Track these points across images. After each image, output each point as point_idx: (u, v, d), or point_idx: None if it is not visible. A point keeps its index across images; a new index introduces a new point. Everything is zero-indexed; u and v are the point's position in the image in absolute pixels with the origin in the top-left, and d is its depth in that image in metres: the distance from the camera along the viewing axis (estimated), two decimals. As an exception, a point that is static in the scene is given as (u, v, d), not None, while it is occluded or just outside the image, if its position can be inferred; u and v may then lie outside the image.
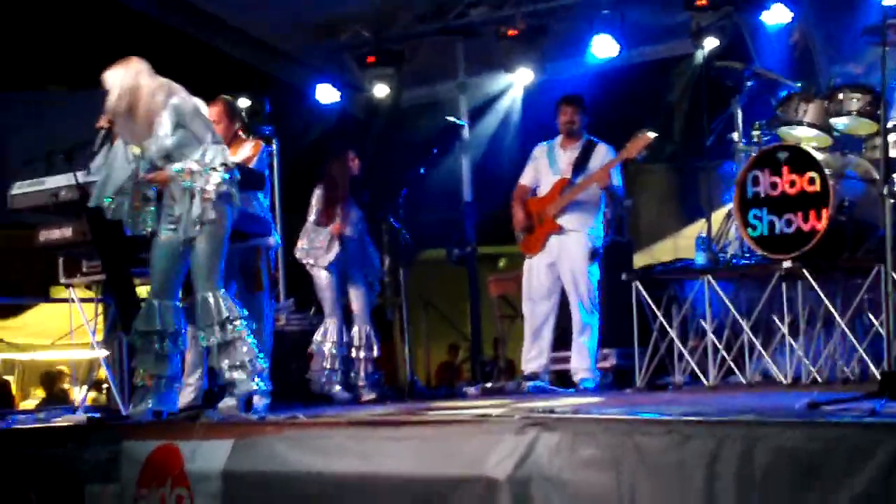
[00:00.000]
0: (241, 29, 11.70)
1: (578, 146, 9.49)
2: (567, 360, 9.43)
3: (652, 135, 9.19)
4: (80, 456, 7.20)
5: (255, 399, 7.51)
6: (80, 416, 8.14)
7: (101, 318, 9.51)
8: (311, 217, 9.70)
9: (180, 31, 12.37)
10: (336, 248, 9.55)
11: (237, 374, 7.29)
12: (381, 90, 12.75)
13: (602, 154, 9.40)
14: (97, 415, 8.35)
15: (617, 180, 9.39)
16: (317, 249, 9.60)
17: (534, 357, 9.41)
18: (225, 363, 7.29)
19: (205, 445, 6.73)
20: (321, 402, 9.32)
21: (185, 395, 8.42)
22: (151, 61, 12.31)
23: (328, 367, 9.58)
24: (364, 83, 12.96)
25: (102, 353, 8.95)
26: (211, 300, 7.26)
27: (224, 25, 12.16)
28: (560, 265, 9.36)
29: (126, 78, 7.24)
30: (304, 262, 9.69)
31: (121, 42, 12.28)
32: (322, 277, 9.64)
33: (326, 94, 12.81)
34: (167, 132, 7.21)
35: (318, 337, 9.67)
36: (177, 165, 7.20)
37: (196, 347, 8.54)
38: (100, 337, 9.25)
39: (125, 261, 8.35)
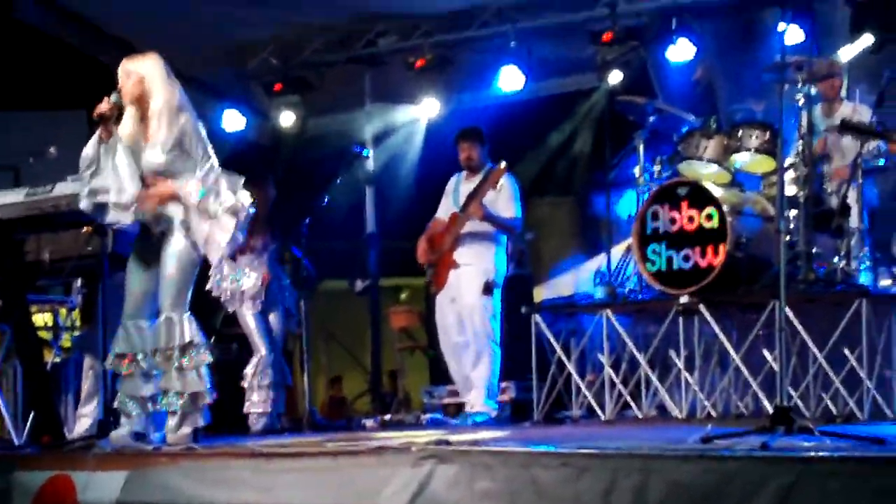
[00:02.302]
0: (145, 51, 11.57)
1: (478, 177, 9.49)
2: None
3: (501, 167, 9.20)
4: (-29, 486, 7.08)
5: (150, 430, 7.38)
6: (-28, 446, 8.01)
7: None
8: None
9: (82, 51, 12.26)
10: (262, 296, 9.54)
11: (185, 404, 7.10)
12: (287, 118, 12.71)
13: (501, 184, 9.35)
14: (-11, 445, 8.22)
15: (513, 211, 9.36)
16: (241, 294, 9.53)
17: (461, 387, 9.44)
18: (176, 388, 7.09)
19: (98, 476, 6.63)
20: (233, 434, 9.26)
21: (81, 426, 8.32)
22: (53, 82, 12.22)
23: (262, 399, 9.51)
24: (270, 110, 12.92)
25: (-4, 381, 8.83)
26: (175, 321, 7.09)
27: (129, 47, 12.05)
28: (459, 300, 9.35)
29: (149, 75, 7.10)
30: (226, 302, 9.56)
31: (21, 63, 12.21)
32: (248, 318, 9.59)
33: (232, 120, 12.75)
34: (165, 149, 7.06)
35: (249, 371, 9.59)
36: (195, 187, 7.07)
37: (92, 376, 8.45)
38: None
39: (22, 288, 8.24)
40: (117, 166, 7.09)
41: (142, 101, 7.14)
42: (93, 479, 6.63)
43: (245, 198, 7.19)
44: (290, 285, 9.85)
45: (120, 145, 7.10)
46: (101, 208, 7.17)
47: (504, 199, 9.38)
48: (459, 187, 9.61)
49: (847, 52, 10.23)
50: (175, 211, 7.11)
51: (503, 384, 9.97)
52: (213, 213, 7.08)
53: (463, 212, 9.35)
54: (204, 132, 7.26)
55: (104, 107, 7.08)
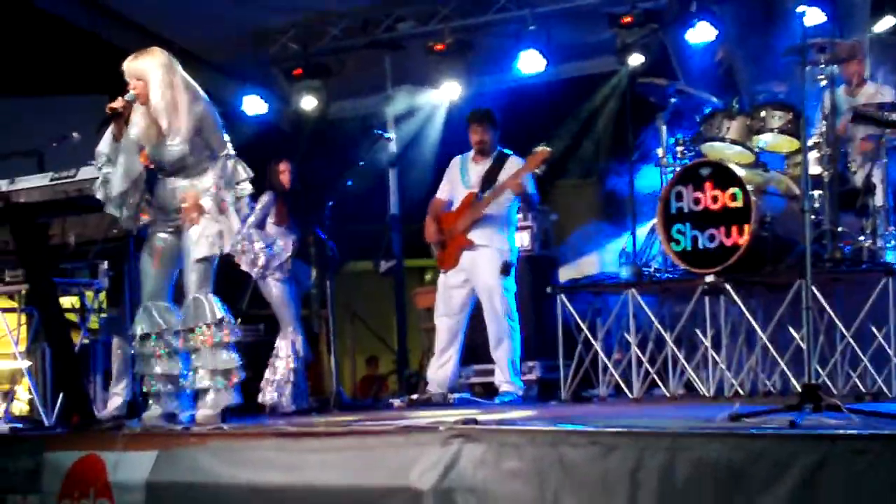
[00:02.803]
0: (168, 39, 11.63)
1: (490, 160, 9.47)
2: (492, 372, 9.45)
3: (548, 150, 9.16)
4: (2, 466, 7.13)
5: (179, 410, 7.42)
6: (3, 427, 8.05)
7: (23, 329, 9.42)
8: (252, 221, 9.64)
9: (105, 40, 12.30)
10: (289, 264, 9.62)
11: (216, 382, 7.15)
12: (308, 102, 12.74)
13: (513, 165, 9.36)
14: (20, 425, 8.27)
15: (531, 188, 9.37)
16: (269, 261, 9.61)
17: (439, 369, 9.40)
18: (212, 367, 7.14)
19: (128, 456, 6.69)
20: (262, 414, 9.31)
21: (112, 404, 8.38)
22: (75, 68, 12.27)
23: (283, 379, 9.58)
24: (291, 96, 12.95)
25: (25, 363, 8.87)
26: (205, 301, 7.15)
27: (150, 35, 12.10)
28: (474, 280, 9.31)
29: (161, 70, 7.13)
30: (250, 268, 9.64)
31: (43, 49, 12.25)
32: (277, 291, 9.65)
33: (253, 105, 12.79)
34: (185, 139, 7.12)
35: (280, 350, 9.66)
36: (206, 190, 7.16)
37: (120, 357, 8.50)
38: (22, 347, 9.16)
39: (49, 271, 8.28)
40: (127, 166, 7.18)
41: (155, 100, 7.17)
42: (123, 459, 6.69)
43: (248, 188, 7.30)
44: (307, 273, 9.93)
45: (132, 147, 7.18)
46: (114, 205, 7.28)
47: (525, 181, 9.37)
48: (467, 169, 9.56)
49: (867, 34, 10.23)
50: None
51: (530, 363, 10.01)
52: (228, 204, 7.20)
53: (483, 194, 9.34)
54: (219, 119, 7.31)
55: (117, 104, 7.14)
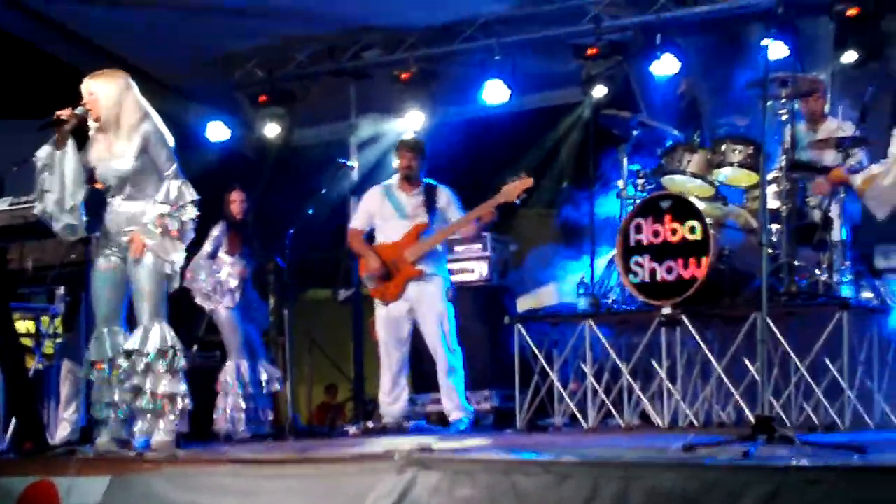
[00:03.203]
0: (134, 65, 11.62)
1: (420, 190, 9.48)
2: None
3: (530, 180, 9.20)
4: (-47, 491, 7.08)
5: (132, 436, 7.38)
6: (-45, 451, 7.99)
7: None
8: (206, 251, 9.69)
9: (68, 63, 12.27)
10: (238, 292, 9.64)
11: (160, 407, 7.15)
12: (272, 129, 12.72)
13: (447, 196, 9.45)
14: (-28, 450, 8.20)
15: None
16: (217, 289, 9.61)
17: (394, 402, 9.38)
18: (157, 392, 7.14)
19: (81, 482, 6.65)
20: (218, 440, 9.27)
21: (62, 430, 8.33)
22: (36, 92, 12.21)
23: (236, 407, 9.56)
24: (255, 122, 12.94)
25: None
26: (155, 328, 7.16)
27: (117, 59, 12.08)
28: (420, 309, 9.32)
29: (116, 90, 7.21)
30: (201, 300, 9.66)
31: (5, 72, 12.19)
32: (225, 318, 9.65)
33: (217, 131, 12.76)
34: (132, 156, 7.17)
35: (227, 378, 9.64)
36: (149, 224, 7.16)
37: (71, 381, 8.45)
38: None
39: (5, 295, 8.23)
40: (65, 174, 7.16)
41: (106, 118, 7.24)
42: (76, 485, 6.64)
43: (193, 211, 7.28)
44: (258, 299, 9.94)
45: (72, 156, 7.18)
46: (49, 215, 7.25)
47: (455, 208, 9.47)
48: (397, 199, 9.49)
49: (829, 68, 10.32)
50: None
51: (486, 392, 10.07)
52: (174, 231, 7.20)
53: (434, 224, 9.36)
54: (169, 140, 7.33)
55: (65, 113, 7.20)
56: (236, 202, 9.87)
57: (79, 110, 7.21)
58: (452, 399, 9.25)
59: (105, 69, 7.39)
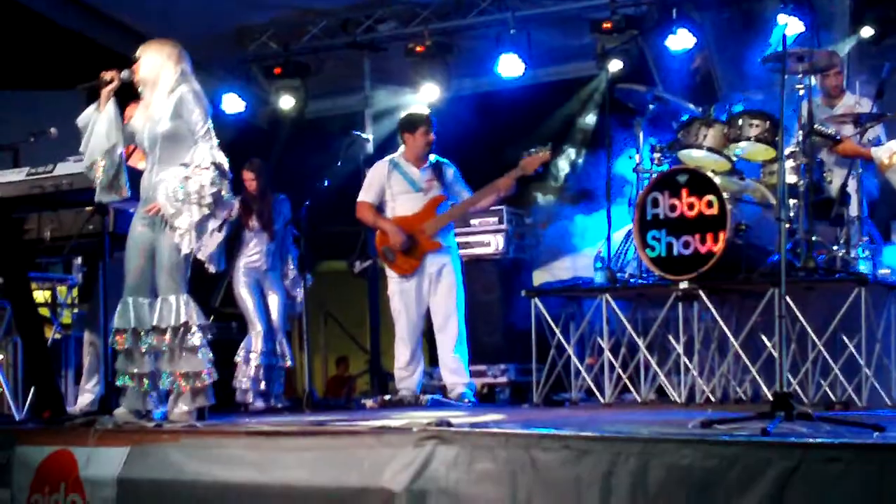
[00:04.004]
0: (146, 34, 11.60)
1: (428, 164, 9.50)
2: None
3: (549, 153, 9.22)
4: (-28, 460, 7.11)
5: (151, 407, 7.40)
6: (-28, 420, 8.04)
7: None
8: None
9: (84, 35, 12.28)
10: (259, 271, 9.75)
11: (183, 385, 7.15)
12: (286, 102, 12.75)
13: (452, 171, 9.48)
14: (-11, 419, 8.25)
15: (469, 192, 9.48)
16: (238, 273, 9.70)
17: (410, 375, 9.42)
18: (175, 370, 7.14)
19: (100, 452, 6.67)
20: (238, 412, 9.30)
21: (83, 401, 8.36)
22: (56, 65, 12.23)
23: (253, 377, 9.61)
24: (270, 94, 12.94)
25: (-4, 357, 8.87)
26: (172, 301, 7.15)
27: (129, 31, 12.08)
28: (439, 282, 9.34)
29: (161, 55, 7.25)
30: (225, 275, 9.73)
31: (21, 44, 12.21)
32: (242, 291, 9.68)
33: (232, 104, 12.78)
34: (167, 118, 7.17)
35: (244, 347, 9.67)
36: (169, 189, 7.12)
37: (92, 353, 8.48)
38: (-6, 341, 9.16)
39: (23, 265, 8.26)
40: (93, 133, 7.18)
41: (150, 84, 7.26)
42: (94, 455, 6.67)
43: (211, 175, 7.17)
44: (297, 269, 9.93)
45: (106, 115, 7.17)
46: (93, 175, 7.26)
47: (460, 184, 9.51)
48: (408, 173, 9.47)
49: (846, 44, 10.30)
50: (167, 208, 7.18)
51: (502, 366, 10.11)
52: (193, 195, 7.13)
53: (452, 198, 9.40)
54: (205, 103, 7.32)
55: (109, 74, 7.20)
56: (247, 181, 9.87)
57: (124, 73, 7.23)
58: (460, 371, 9.29)
59: (163, 39, 7.42)
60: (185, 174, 7.11)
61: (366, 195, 9.58)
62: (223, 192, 7.18)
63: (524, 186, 10.55)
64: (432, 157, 9.52)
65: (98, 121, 7.18)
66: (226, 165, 7.20)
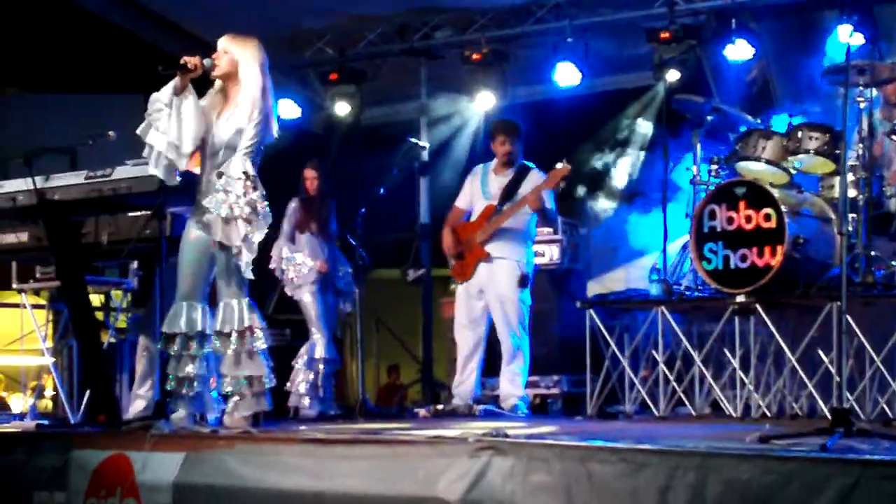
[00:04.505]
0: (203, 39, 11.68)
1: (511, 172, 9.49)
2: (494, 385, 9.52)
3: (568, 167, 9.18)
4: (29, 463, 7.16)
5: (202, 411, 7.41)
6: (29, 423, 8.07)
7: (51, 325, 9.46)
8: (285, 230, 9.80)
9: (142, 38, 12.35)
10: (320, 279, 9.79)
11: (242, 388, 7.13)
12: (342, 108, 12.77)
13: (534, 179, 9.39)
14: (45, 422, 8.28)
15: (550, 204, 9.38)
16: (302, 277, 9.74)
17: (461, 383, 9.45)
18: (237, 374, 7.12)
19: (156, 457, 6.71)
20: (289, 418, 9.32)
21: (136, 406, 8.39)
22: (110, 66, 12.30)
23: (311, 382, 9.63)
24: (325, 100, 12.97)
25: (52, 359, 8.90)
26: (235, 306, 7.13)
27: (187, 34, 12.16)
28: (488, 293, 9.36)
29: (246, 54, 7.21)
30: (286, 284, 9.75)
31: (78, 46, 12.31)
32: (307, 302, 9.71)
33: (287, 109, 12.82)
34: (236, 125, 7.13)
35: (303, 353, 9.68)
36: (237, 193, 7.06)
37: (146, 358, 8.51)
38: (50, 344, 9.20)
39: (80, 268, 8.31)
40: (182, 118, 7.06)
41: (228, 79, 7.22)
42: (150, 460, 6.71)
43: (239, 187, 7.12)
44: (351, 272, 9.96)
45: (192, 102, 7.09)
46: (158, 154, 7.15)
47: (546, 196, 9.39)
48: (488, 180, 9.58)
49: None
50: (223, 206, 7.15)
51: (555, 378, 10.09)
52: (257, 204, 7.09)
53: (502, 207, 9.38)
54: (274, 126, 7.30)
55: (192, 60, 7.09)
56: (308, 179, 9.90)
57: (206, 61, 7.13)
58: (514, 386, 9.28)
59: (247, 36, 7.35)
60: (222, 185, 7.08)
61: (457, 200, 9.76)
62: (258, 205, 7.09)
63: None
64: (518, 165, 9.50)
65: (185, 109, 7.06)
66: (256, 178, 7.12)
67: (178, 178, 7.23)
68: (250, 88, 7.16)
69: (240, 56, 7.21)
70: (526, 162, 9.54)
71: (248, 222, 7.03)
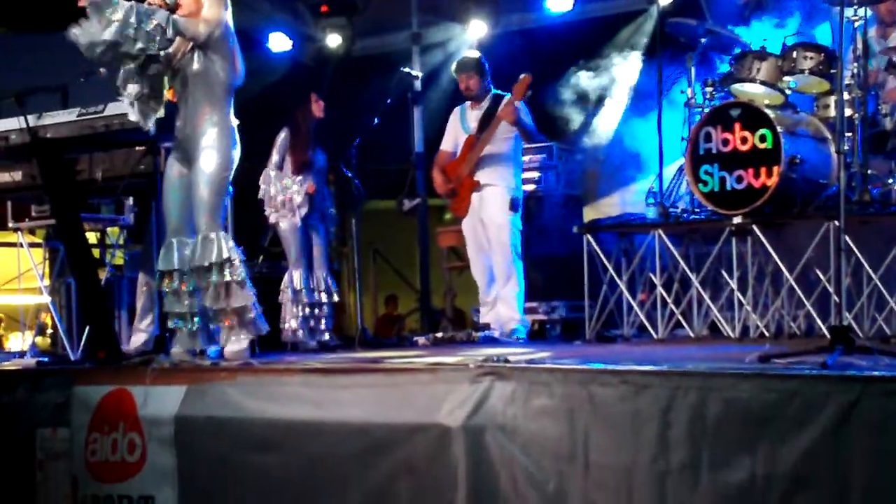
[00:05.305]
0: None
1: (486, 104, 9.68)
2: (533, 310, 9.68)
3: (529, 76, 9.35)
4: (31, 400, 7.19)
5: (204, 345, 7.42)
6: (30, 361, 8.09)
7: (47, 263, 9.46)
8: (274, 160, 9.73)
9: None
10: (306, 205, 9.63)
11: (230, 320, 7.17)
12: (333, 40, 12.75)
13: (507, 103, 9.51)
14: (46, 359, 8.30)
15: (526, 118, 9.49)
16: (286, 203, 9.63)
17: (489, 309, 9.53)
18: (224, 307, 7.16)
19: (157, 391, 6.74)
20: (287, 350, 9.33)
21: (137, 340, 8.41)
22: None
23: (299, 315, 9.62)
24: (317, 32, 12.91)
25: (50, 298, 8.91)
26: (213, 239, 7.15)
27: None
28: (484, 219, 9.50)
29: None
30: (269, 212, 9.70)
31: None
32: (287, 228, 9.67)
33: (279, 42, 12.77)
34: (214, 22, 7.18)
35: (285, 285, 9.67)
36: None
37: (146, 293, 8.52)
38: (47, 282, 9.20)
39: (75, 206, 8.29)
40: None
41: (192, 16, 7.20)
42: (152, 394, 6.73)
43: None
44: (333, 205, 9.93)
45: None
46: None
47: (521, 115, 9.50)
48: (465, 116, 9.81)
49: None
50: (209, 129, 7.20)
51: (554, 303, 10.14)
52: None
53: (480, 134, 9.49)
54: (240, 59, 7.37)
55: (155, 1, 7.12)
56: (318, 111, 9.78)
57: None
58: (510, 309, 9.36)
59: None
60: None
61: (442, 143, 9.93)
62: None
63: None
64: (491, 96, 9.67)
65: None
66: None
67: (152, 126, 7.26)
68: (205, 24, 7.16)
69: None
70: (498, 91, 9.67)
71: None
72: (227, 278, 7.15)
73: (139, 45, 6.93)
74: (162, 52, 7.08)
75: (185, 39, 7.12)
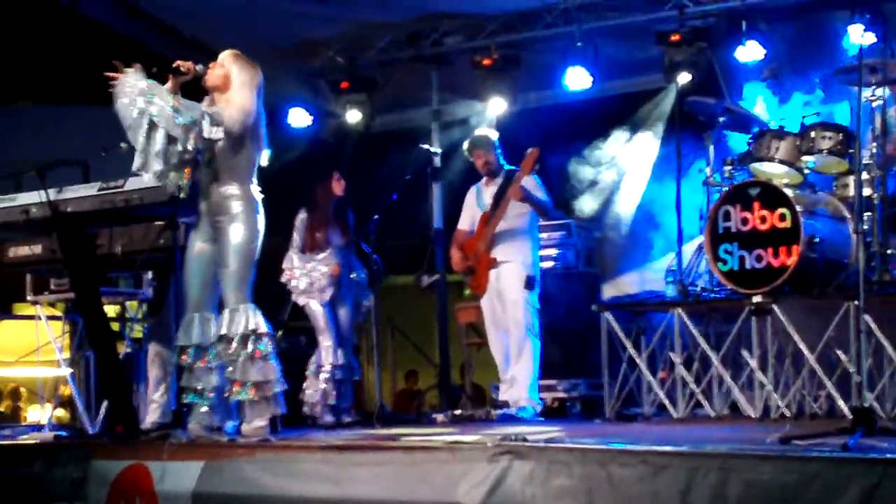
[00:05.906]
0: (214, 50, 11.65)
1: (499, 180, 9.71)
2: (552, 388, 9.64)
3: (537, 150, 9.39)
4: (49, 474, 7.18)
5: (219, 423, 7.38)
6: (48, 435, 8.08)
7: (68, 336, 9.47)
8: (296, 242, 9.73)
9: (144, 47, 12.34)
10: (332, 288, 9.62)
11: (253, 394, 7.09)
12: (353, 116, 12.78)
13: (527, 181, 9.51)
14: (64, 433, 8.29)
15: (538, 192, 9.48)
16: (310, 287, 9.63)
17: (507, 387, 9.47)
18: (246, 379, 7.09)
19: (175, 466, 6.72)
20: (306, 426, 9.30)
21: (151, 411, 8.39)
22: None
23: (319, 391, 9.59)
24: (336, 108, 12.98)
25: (69, 370, 8.91)
26: (241, 312, 7.13)
27: (197, 45, 12.15)
28: (500, 296, 9.49)
29: (243, 75, 7.26)
30: (295, 296, 9.69)
31: (88, 58, 12.29)
32: (317, 311, 9.65)
33: (299, 118, 12.84)
34: (244, 111, 7.18)
35: (312, 361, 9.65)
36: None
37: (158, 364, 8.51)
38: (66, 355, 9.21)
39: (94, 279, 8.32)
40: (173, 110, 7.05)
41: (217, 91, 7.26)
42: (169, 469, 6.71)
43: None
44: (366, 280, 9.90)
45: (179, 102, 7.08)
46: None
47: (532, 187, 9.49)
48: (481, 193, 9.85)
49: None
50: (235, 203, 7.19)
51: (574, 381, 10.12)
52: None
53: (494, 211, 9.52)
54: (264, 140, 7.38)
55: (186, 64, 7.15)
56: (338, 189, 9.78)
57: (199, 67, 7.18)
58: (520, 388, 9.32)
59: (250, 60, 7.40)
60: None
61: (460, 222, 9.99)
62: None
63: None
64: (505, 172, 9.69)
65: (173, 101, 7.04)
66: None
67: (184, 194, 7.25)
68: (238, 112, 7.15)
69: (236, 76, 7.24)
70: (511, 167, 9.68)
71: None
72: (254, 350, 7.11)
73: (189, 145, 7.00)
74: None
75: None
